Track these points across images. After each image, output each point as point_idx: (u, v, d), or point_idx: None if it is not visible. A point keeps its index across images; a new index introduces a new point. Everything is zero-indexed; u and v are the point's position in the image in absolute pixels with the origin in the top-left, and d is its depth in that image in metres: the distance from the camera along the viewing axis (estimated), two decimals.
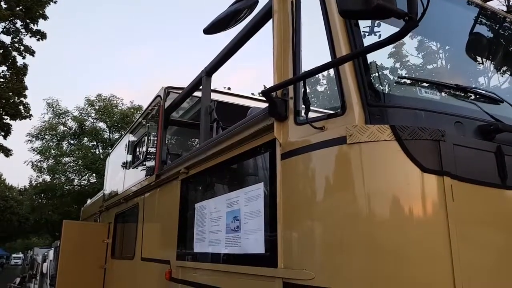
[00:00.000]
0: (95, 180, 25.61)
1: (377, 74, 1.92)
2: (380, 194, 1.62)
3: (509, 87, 2.85)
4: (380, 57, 2.00)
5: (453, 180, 1.59)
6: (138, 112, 25.71)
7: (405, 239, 1.55)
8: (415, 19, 1.37)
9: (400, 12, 1.36)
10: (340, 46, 1.84)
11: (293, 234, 1.89)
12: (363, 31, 1.93)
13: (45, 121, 26.56)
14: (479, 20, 2.66)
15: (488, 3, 2.70)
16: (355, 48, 1.84)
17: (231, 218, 2.41)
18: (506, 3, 14.68)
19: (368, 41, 2.00)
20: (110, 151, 8.66)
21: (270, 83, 2.16)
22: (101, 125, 27.51)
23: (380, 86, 1.86)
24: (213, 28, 2.46)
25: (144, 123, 5.00)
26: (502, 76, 2.82)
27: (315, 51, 2.24)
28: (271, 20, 2.32)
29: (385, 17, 1.38)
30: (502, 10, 2.86)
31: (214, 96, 4.17)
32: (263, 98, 2.47)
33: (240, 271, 2.24)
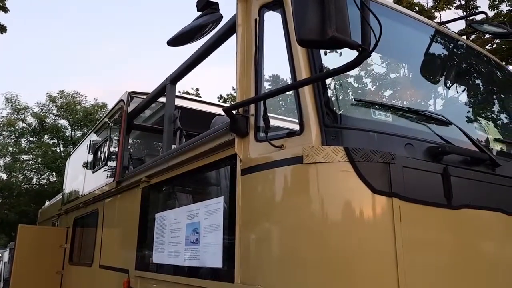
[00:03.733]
0: (55, 179, 24.76)
1: (334, 97, 1.99)
2: (335, 215, 1.69)
3: (465, 108, 3.00)
4: (338, 80, 2.07)
5: (401, 201, 1.68)
6: (102, 110, 25.08)
7: (356, 259, 1.62)
8: (367, 50, 1.45)
9: (354, 44, 1.43)
10: (300, 69, 1.90)
11: (251, 249, 1.93)
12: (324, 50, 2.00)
13: (3, 117, 25.51)
14: (433, 43, 2.80)
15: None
16: (315, 71, 1.90)
17: (191, 230, 2.42)
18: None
19: (330, 58, 2.07)
20: (71, 151, 8.42)
21: None
22: (63, 122, 26.66)
23: (337, 108, 1.93)
24: (177, 41, 2.46)
25: (106, 127, 4.90)
26: (456, 97, 2.98)
27: (277, 68, 2.29)
28: (235, 35, 2.36)
29: (340, 47, 1.45)
30: (454, 32, 3.02)
31: (179, 102, 4.16)
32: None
33: (198, 285, 2.25)
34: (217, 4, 2.43)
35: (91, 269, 4.32)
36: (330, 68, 2.26)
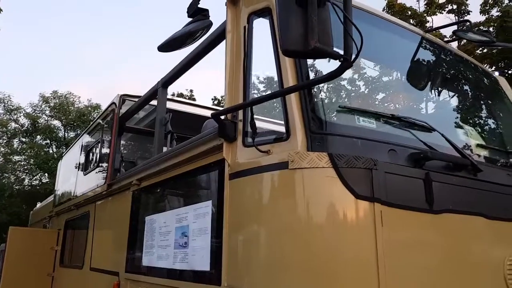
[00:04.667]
0: (47, 180, 24.61)
1: (320, 103, 2.04)
2: (319, 219, 1.73)
3: (449, 114, 3.06)
4: (324, 87, 2.12)
5: (383, 206, 1.73)
6: (96, 111, 25.00)
7: (338, 261, 1.66)
8: (349, 60, 1.49)
9: (336, 54, 1.48)
10: (287, 76, 1.95)
11: (237, 253, 1.96)
12: None
13: None
14: (420, 49, 2.86)
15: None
16: (301, 79, 1.94)
17: (179, 233, 2.45)
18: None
19: (320, 62, 2.11)
20: (63, 153, 8.40)
21: None
22: (56, 123, 26.54)
23: (322, 115, 1.98)
24: (167, 47, 2.50)
25: (98, 129, 4.92)
26: (441, 102, 3.04)
27: (265, 75, 2.34)
28: (224, 41, 2.40)
29: (323, 57, 1.49)
30: (441, 40, 3.08)
31: (171, 105, 4.20)
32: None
33: None
34: (207, 10, 2.47)
35: (82, 272, 4.33)
36: (320, 73, 2.32)
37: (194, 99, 25.48)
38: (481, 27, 15.65)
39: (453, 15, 16.85)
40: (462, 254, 2.02)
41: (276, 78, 2.04)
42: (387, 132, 2.08)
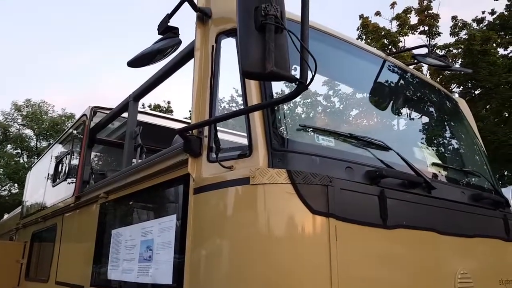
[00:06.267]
0: (17, 191, 23.89)
1: (282, 122, 2.13)
2: (277, 234, 1.80)
3: (411, 134, 3.21)
4: (287, 106, 2.21)
5: (337, 221, 1.81)
6: (70, 121, 24.55)
7: (295, 274, 1.73)
8: (305, 83, 1.59)
9: (292, 78, 1.57)
10: (251, 96, 2.03)
11: (200, 268, 2.00)
12: None
13: None
14: (382, 72, 3.01)
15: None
16: (265, 98, 2.03)
17: (144, 247, 2.47)
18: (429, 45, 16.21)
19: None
20: (33, 164, 8.23)
21: None
22: (28, 132, 25.90)
23: (283, 133, 2.07)
24: (137, 62, 2.55)
25: (68, 140, 4.88)
26: (402, 123, 3.19)
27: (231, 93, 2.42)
28: (192, 60, 2.47)
29: (279, 80, 1.59)
30: (403, 63, 3.25)
31: (143, 117, 4.22)
32: None
33: None
34: (177, 29, 2.54)
35: (47, 285, 4.24)
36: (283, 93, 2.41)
37: (171, 111, 25.37)
38: (451, 48, 16.38)
39: (425, 36, 17.52)
40: (415, 268, 2.12)
41: (241, 98, 2.13)
42: (345, 151, 2.18)
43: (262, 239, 1.80)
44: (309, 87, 1.59)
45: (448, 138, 3.28)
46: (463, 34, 15.96)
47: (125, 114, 3.88)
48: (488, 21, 16.70)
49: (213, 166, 2.11)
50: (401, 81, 3.18)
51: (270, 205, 1.84)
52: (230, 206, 1.98)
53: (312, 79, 1.59)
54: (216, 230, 1.99)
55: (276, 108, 2.08)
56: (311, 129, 2.19)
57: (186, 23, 2.63)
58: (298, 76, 1.59)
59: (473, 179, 3.01)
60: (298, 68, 1.61)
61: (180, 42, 2.49)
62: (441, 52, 16.12)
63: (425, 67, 15.67)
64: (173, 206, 2.42)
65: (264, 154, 1.93)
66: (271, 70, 1.50)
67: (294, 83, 1.59)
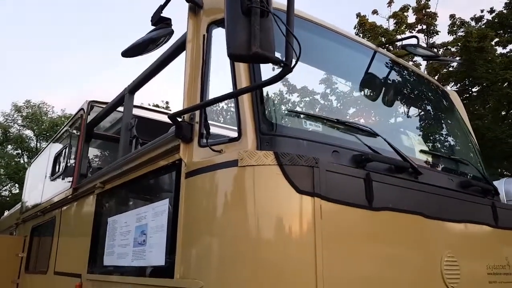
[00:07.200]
0: (17, 191, 23.96)
1: (271, 107, 2.19)
2: (264, 212, 1.86)
3: (402, 122, 3.28)
4: (275, 90, 2.28)
5: (322, 200, 1.87)
6: None
7: (280, 249, 1.79)
8: (289, 66, 1.65)
9: (276, 60, 1.63)
10: (241, 80, 2.09)
11: (191, 247, 2.07)
12: None
13: None
14: (373, 63, 3.07)
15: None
16: (254, 82, 2.09)
17: (139, 232, 2.53)
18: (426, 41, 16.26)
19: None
20: (32, 161, 8.30)
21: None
22: (28, 132, 25.99)
23: (272, 117, 2.13)
24: (130, 52, 2.62)
25: (66, 135, 4.95)
26: (393, 112, 3.25)
27: (222, 81, 2.48)
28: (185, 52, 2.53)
29: (264, 62, 1.65)
30: (393, 54, 3.31)
31: (139, 112, 4.29)
32: None
33: (142, 283, 2.36)
34: (169, 19, 2.61)
35: (46, 276, 4.31)
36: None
37: (169, 109, 25.45)
38: (449, 47, 16.42)
39: (423, 34, 17.57)
40: (400, 250, 2.17)
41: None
42: (332, 135, 2.25)
43: (250, 218, 1.86)
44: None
45: (438, 127, 3.34)
46: (460, 32, 16.00)
47: (121, 109, 3.95)
48: (486, 19, 16.77)
49: (204, 151, 2.18)
50: (391, 72, 3.24)
51: (258, 186, 1.90)
52: (220, 187, 2.04)
53: (296, 62, 1.65)
54: (206, 211, 2.04)
55: (265, 94, 2.14)
56: (299, 114, 2.25)
57: (179, 16, 2.70)
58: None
59: (462, 167, 3.06)
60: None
61: (172, 32, 2.56)
62: (439, 50, 16.20)
63: (422, 66, 15.77)
64: (166, 191, 2.48)
65: (252, 138, 1.99)
66: (256, 51, 1.56)
67: (279, 66, 1.65)
